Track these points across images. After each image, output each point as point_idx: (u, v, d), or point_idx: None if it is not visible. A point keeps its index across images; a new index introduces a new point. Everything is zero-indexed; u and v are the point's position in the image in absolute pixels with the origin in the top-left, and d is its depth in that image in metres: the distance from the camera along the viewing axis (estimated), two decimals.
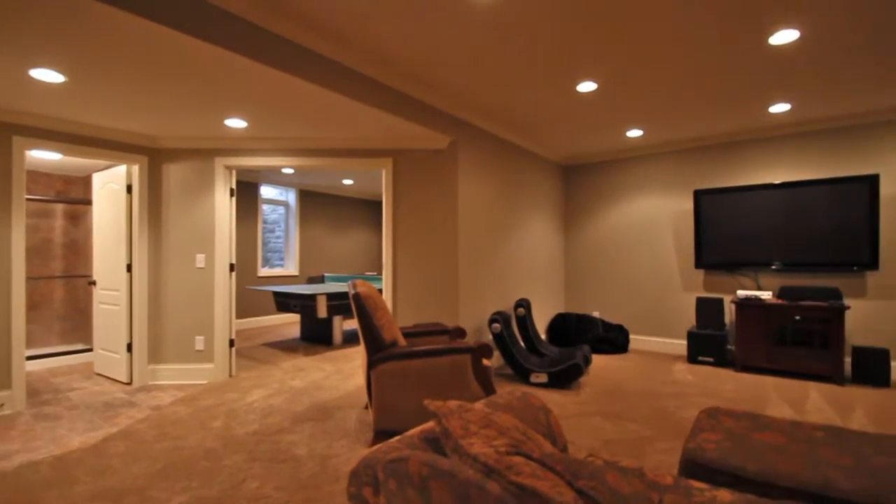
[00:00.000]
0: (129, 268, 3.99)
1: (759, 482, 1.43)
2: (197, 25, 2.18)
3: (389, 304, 4.04)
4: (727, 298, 4.79)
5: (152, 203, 4.05)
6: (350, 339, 5.94)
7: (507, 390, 1.73)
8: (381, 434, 2.59)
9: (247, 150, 4.09)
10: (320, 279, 7.71)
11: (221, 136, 3.97)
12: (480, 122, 4.22)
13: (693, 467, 1.56)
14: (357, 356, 4.98)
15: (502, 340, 3.96)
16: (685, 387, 3.79)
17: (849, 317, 4.19)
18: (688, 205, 5.05)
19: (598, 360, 4.81)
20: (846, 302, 4.19)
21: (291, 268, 7.65)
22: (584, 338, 5.16)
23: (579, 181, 5.86)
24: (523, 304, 4.43)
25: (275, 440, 2.74)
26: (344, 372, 4.31)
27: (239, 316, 6.85)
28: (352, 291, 2.65)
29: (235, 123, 3.56)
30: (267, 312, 7.25)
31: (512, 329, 4.12)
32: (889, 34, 2.68)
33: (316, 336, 5.81)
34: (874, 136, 4.11)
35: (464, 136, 4.04)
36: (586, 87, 3.44)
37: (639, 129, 4.57)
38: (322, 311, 5.12)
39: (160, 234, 4.07)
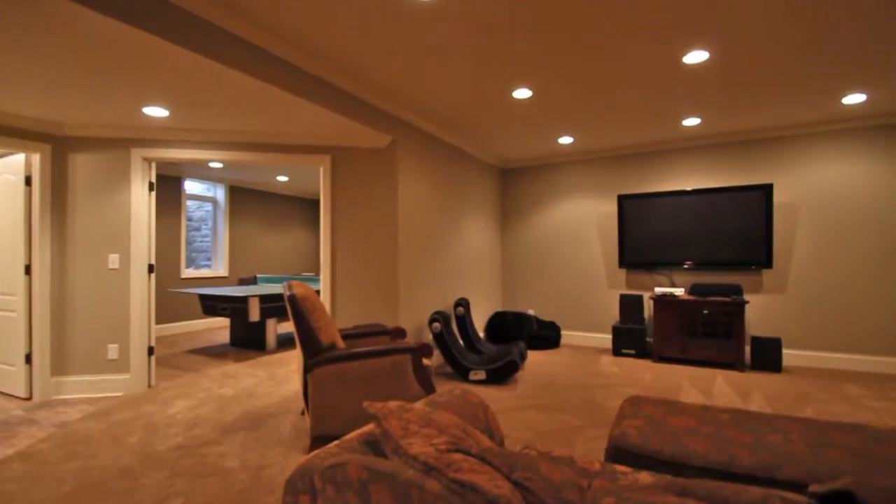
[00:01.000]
0: (27, 269, 3.55)
1: (674, 463, 1.57)
2: (109, 2, 1.99)
3: (328, 306, 3.94)
4: (646, 295, 5.19)
5: (56, 197, 3.63)
6: (285, 342, 5.71)
7: (447, 388, 1.76)
8: (319, 440, 2.52)
9: (169, 142, 3.79)
10: (252, 280, 7.34)
11: (139, 126, 3.65)
12: (421, 124, 4.23)
13: (618, 452, 1.68)
14: (293, 360, 4.80)
15: (442, 339, 4.00)
16: (610, 378, 4.06)
17: (748, 310, 4.70)
18: (612, 208, 5.41)
19: (532, 355, 5.01)
20: (746, 297, 4.71)
21: (220, 269, 7.20)
22: (520, 335, 5.35)
23: (516, 184, 6.07)
24: (462, 303, 4.51)
25: (201, 453, 2.57)
26: (278, 377, 4.14)
27: (160, 321, 6.33)
28: (287, 293, 2.55)
29: (156, 112, 3.29)
30: (192, 317, 6.77)
31: (452, 328, 4.18)
32: (779, 62, 3.04)
33: (247, 341, 5.52)
34: (770, 149, 4.65)
35: (404, 136, 4.04)
36: (522, 93, 3.57)
37: (569, 136, 4.82)
38: (254, 314, 4.87)
39: (66, 231, 3.66)
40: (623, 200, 5.14)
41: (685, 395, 3.58)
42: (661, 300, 4.63)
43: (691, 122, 4.34)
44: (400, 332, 3.26)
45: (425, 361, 2.72)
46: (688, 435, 1.69)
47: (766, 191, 4.45)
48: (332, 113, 3.25)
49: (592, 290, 5.53)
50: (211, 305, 5.25)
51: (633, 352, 4.86)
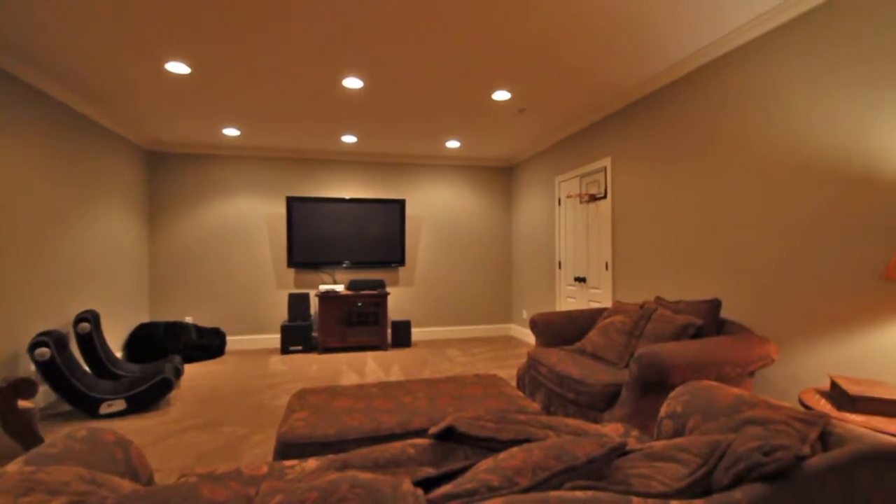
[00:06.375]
0: None
1: (338, 442, 1.77)
2: None
3: None
4: (312, 292, 5.53)
5: None
6: None
7: (65, 433, 1.36)
8: None
9: None
10: None
11: None
12: (22, 72, 3.01)
13: (287, 448, 1.75)
14: None
15: (54, 369, 2.98)
16: (279, 377, 4.11)
17: (390, 300, 5.77)
18: (282, 209, 5.47)
19: (191, 369, 4.44)
20: (388, 289, 5.76)
21: None
22: (175, 347, 4.63)
23: (170, 172, 5.19)
24: (88, 317, 3.50)
25: None
26: None
27: None
28: None
29: None
30: None
31: (70, 352, 3.18)
32: (410, 106, 3.88)
33: None
34: (404, 171, 5.84)
35: None
36: (177, 67, 3.11)
37: (235, 128, 4.55)
38: None
39: None
40: (292, 202, 5.28)
41: (345, 378, 4.04)
42: (325, 296, 5.03)
43: (349, 139, 4.93)
44: None
45: (23, 404, 1.98)
46: (347, 413, 1.95)
47: (401, 205, 5.59)
48: None
49: (261, 291, 5.42)
50: None
51: (300, 347, 5.07)
